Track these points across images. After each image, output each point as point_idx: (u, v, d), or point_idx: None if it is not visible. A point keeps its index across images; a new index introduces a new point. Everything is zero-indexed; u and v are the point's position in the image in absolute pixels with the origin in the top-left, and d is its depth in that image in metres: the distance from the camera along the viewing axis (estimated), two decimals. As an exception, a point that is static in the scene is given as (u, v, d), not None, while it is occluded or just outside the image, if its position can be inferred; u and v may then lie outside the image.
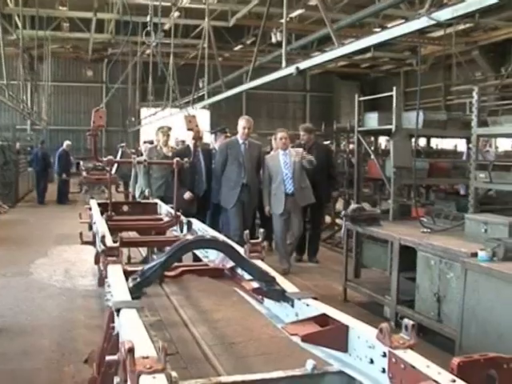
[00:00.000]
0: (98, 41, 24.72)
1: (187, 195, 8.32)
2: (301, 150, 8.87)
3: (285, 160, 8.59)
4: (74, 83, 30.41)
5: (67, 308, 6.69)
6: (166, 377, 1.94)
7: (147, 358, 2.02)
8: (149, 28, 12.50)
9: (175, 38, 17.20)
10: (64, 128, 29.04)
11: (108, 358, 2.37)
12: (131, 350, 1.95)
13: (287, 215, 8.62)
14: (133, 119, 27.64)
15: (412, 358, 2.14)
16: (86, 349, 4.93)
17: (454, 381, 1.87)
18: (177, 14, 18.53)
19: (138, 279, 3.22)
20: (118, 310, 2.75)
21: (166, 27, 18.29)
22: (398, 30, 4.97)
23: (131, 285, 3.17)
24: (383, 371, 2.29)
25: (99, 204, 7.05)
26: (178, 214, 6.37)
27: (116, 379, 2.33)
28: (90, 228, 6.54)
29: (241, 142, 8.38)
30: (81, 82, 30.35)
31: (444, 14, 4.21)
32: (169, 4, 16.88)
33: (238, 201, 8.30)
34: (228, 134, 9.58)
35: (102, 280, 3.97)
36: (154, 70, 19.94)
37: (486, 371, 2.01)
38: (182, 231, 6.14)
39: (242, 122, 8.30)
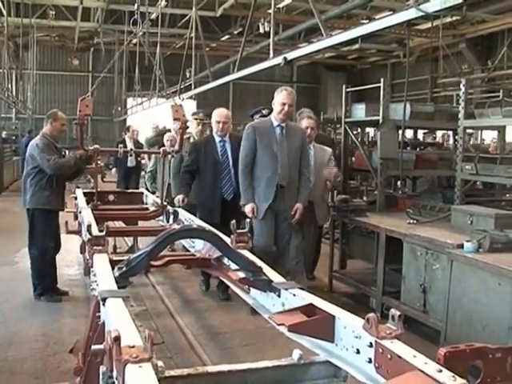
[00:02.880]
0: (84, 29, 24.50)
1: (179, 198, 6.45)
2: (330, 150, 7.01)
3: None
4: (60, 72, 30.15)
5: (52, 297, 6.65)
6: (152, 366, 1.92)
7: (133, 347, 2.00)
8: (136, 17, 12.37)
9: (162, 27, 17.09)
10: (49, 117, 28.73)
11: (94, 347, 2.35)
12: (117, 339, 1.93)
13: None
14: (119, 109, 27.49)
15: (399, 348, 2.13)
16: (71, 338, 4.87)
17: (441, 370, 1.87)
18: (164, 3, 18.39)
19: (124, 268, 3.21)
20: (104, 299, 2.72)
21: (153, 16, 18.16)
22: (386, 21, 4.96)
23: (117, 274, 3.16)
24: (369, 361, 2.29)
25: (85, 193, 7.01)
26: (165, 203, 6.37)
27: (102, 368, 2.31)
28: (76, 217, 6.51)
29: (276, 124, 5.94)
30: (66, 71, 30.08)
31: (432, 6, 4.20)
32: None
33: (268, 209, 5.90)
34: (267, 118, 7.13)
35: (87, 269, 3.93)
36: (140, 60, 19.84)
37: (471, 361, 2.02)
38: (168, 221, 6.14)
39: (280, 96, 5.86)
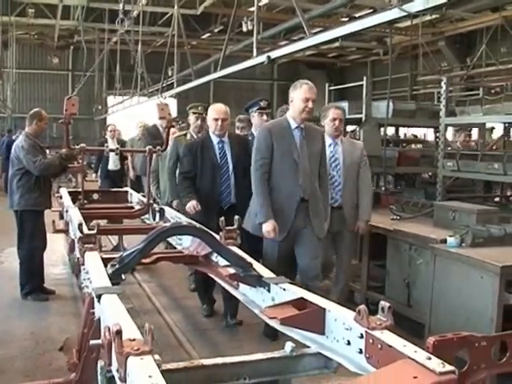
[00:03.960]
0: (64, 27, 24.37)
1: (191, 205, 5.59)
2: (361, 144, 5.93)
3: (334, 155, 5.62)
4: (40, 70, 29.92)
5: (39, 296, 6.67)
6: (152, 358, 1.99)
7: (134, 340, 2.06)
8: (121, 15, 12.37)
9: (142, 25, 17.05)
10: (29, 116, 28.54)
11: (92, 342, 2.41)
12: (119, 333, 1.99)
13: (329, 239, 5.59)
14: (99, 107, 27.37)
15: (389, 337, 2.21)
16: (61, 336, 4.94)
17: (430, 358, 1.95)
18: (144, 1, 18.37)
19: (117, 266, 3.26)
20: (99, 296, 2.78)
21: (134, 14, 18.12)
22: (369, 20, 5.05)
23: (110, 271, 3.21)
24: (360, 352, 2.37)
25: (69, 192, 7.04)
26: (151, 201, 6.41)
27: (100, 362, 2.37)
28: (61, 217, 6.54)
29: (294, 125, 5.00)
30: (46, 70, 29.87)
31: (415, 6, 4.30)
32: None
33: (291, 229, 4.99)
34: (268, 111, 6.28)
35: (78, 267, 3.97)
36: (121, 58, 19.79)
37: (458, 349, 2.10)
38: (154, 219, 6.18)
39: (301, 91, 4.89)
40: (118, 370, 2.04)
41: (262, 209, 4.93)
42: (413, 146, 11.71)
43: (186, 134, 6.97)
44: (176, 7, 12.56)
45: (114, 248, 8.16)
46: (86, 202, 6.41)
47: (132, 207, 7.06)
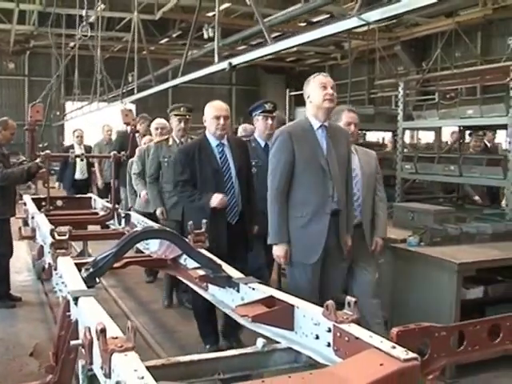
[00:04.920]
0: (20, 32, 24.12)
1: (217, 199, 4.78)
2: (374, 154, 5.19)
3: (351, 165, 4.67)
4: (-5, 76, 29.59)
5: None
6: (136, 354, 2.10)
7: (116, 338, 2.17)
8: (84, 23, 12.34)
9: (96, 30, 16.96)
10: (-16, 122, 28.06)
11: (73, 342, 2.50)
12: (103, 331, 2.10)
13: (347, 263, 4.71)
14: (57, 113, 27.12)
15: (356, 330, 2.36)
16: (30, 342, 4.98)
17: (395, 347, 2.10)
18: (102, 6, 18.31)
19: (91, 269, 3.35)
20: (76, 299, 2.87)
21: (92, 19, 18.05)
22: (330, 28, 5.23)
23: (85, 275, 3.30)
24: (328, 345, 2.51)
25: (33, 199, 7.06)
26: (116, 206, 6.48)
27: (81, 362, 2.47)
28: (25, 223, 6.56)
29: (317, 125, 4.28)
30: (1, 75, 29.50)
31: (373, 15, 4.49)
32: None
33: (324, 250, 4.22)
34: (274, 114, 5.71)
35: (49, 273, 4.03)
36: (80, 63, 19.66)
37: (421, 339, 2.26)
38: (119, 224, 6.26)
39: (316, 81, 4.26)
40: (102, 367, 2.14)
41: (274, 228, 4.24)
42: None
43: (167, 139, 6.46)
44: (136, 13, 12.60)
45: (79, 254, 8.17)
46: (51, 208, 6.45)
47: (97, 213, 7.13)
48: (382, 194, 5.02)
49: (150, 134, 7.76)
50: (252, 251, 5.10)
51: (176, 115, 6.34)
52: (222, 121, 4.90)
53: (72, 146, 10.60)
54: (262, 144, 5.66)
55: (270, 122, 5.59)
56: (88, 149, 10.97)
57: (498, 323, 2.42)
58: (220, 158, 4.98)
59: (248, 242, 5.00)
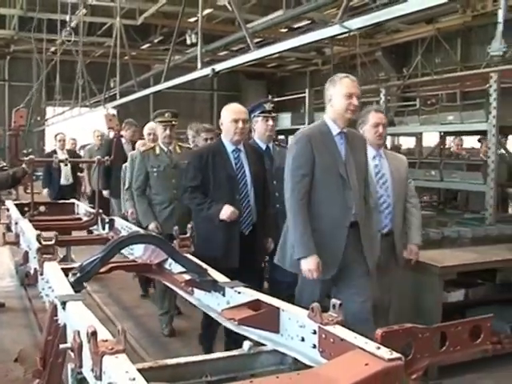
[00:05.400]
0: (0, 37, 23.98)
1: (228, 211, 4.49)
2: (405, 158, 4.95)
3: (380, 169, 4.58)
4: (-25, 81, 29.37)
5: (-12, 310, 6.66)
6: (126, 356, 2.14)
7: (106, 341, 2.20)
8: (68, 28, 12.34)
9: (79, 35, 16.93)
10: (-37, 127, 27.90)
11: (62, 346, 2.53)
12: (94, 334, 2.13)
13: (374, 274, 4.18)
14: (38, 118, 26.98)
15: (341, 331, 2.42)
16: (15, 348, 4.95)
17: (379, 347, 2.16)
18: (84, 11, 18.29)
19: (78, 274, 3.38)
20: (64, 303, 2.90)
21: (73, 24, 18.00)
22: (313, 35, 5.31)
23: (72, 280, 3.33)
24: (314, 347, 2.56)
25: (16, 205, 7.05)
26: (100, 211, 6.48)
27: (70, 365, 2.51)
28: (8, 229, 6.55)
29: (337, 131, 4.01)
30: (-19, 80, 29.34)
31: (355, 23, 4.58)
32: (75, 1, 16.63)
33: (343, 265, 3.96)
34: (273, 115, 5.43)
35: (34, 278, 4.05)
36: (61, 68, 19.61)
37: (404, 340, 2.33)
38: (103, 229, 6.27)
39: (343, 85, 3.96)
40: (92, 370, 2.17)
41: (301, 241, 3.89)
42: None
43: (154, 148, 6.02)
44: (118, 18, 12.63)
45: (62, 259, 8.16)
46: (36, 213, 6.45)
47: (80, 218, 7.13)
48: (415, 201, 4.79)
49: (141, 139, 7.62)
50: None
51: (161, 122, 5.95)
52: (240, 124, 4.58)
53: (55, 151, 10.26)
54: (263, 147, 5.31)
55: (270, 123, 5.28)
56: (71, 153, 10.57)
57: (479, 324, 2.49)
58: (236, 164, 4.66)
59: (259, 254, 4.76)
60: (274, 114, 5.38)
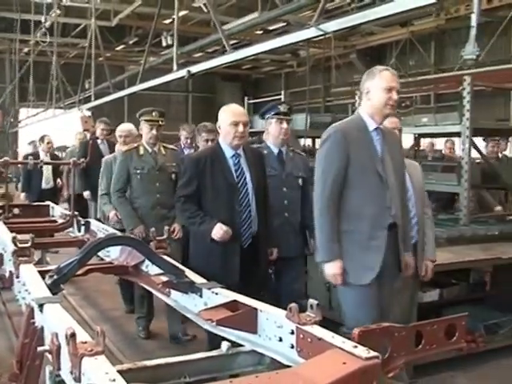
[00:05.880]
0: (-27, 38, 23.74)
1: (219, 231, 4.18)
2: (417, 164, 4.82)
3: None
4: None
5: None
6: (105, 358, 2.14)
7: (86, 342, 2.20)
8: (43, 29, 12.24)
9: (54, 36, 16.79)
10: None
11: (40, 349, 2.52)
12: (73, 335, 2.14)
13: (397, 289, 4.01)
14: (11, 120, 26.69)
15: (318, 331, 2.45)
16: (-11, 352, 4.95)
17: (356, 346, 2.19)
18: (58, 11, 18.14)
19: (55, 276, 3.36)
20: (41, 306, 2.89)
21: (47, 25, 17.85)
22: (289, 37, 5.34)
23: (49, 282, 3.31)
24: (292, 347, 2.59)
25: (-14, 207, 6.99)
26: (76, 213, 6.44)
27: (48, 368, 2.50)
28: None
29: (373, 125, 3.79)
30: (-47, 81, 28.96)
31: (331, 26, 4.62)
32: (49, 1, 16.49)
33: (381, 269, 3.69)
34: (288, 117, 5.01)
35: (9, 281, 4.02)
36: (35, 69, 19.42)
37: (381, 339, 2.36)
38: (79, 231, 6.22)
39: (382, 78, 3.74)
40: (71, 372, 2.17)
41: (326, 244, 3.70)
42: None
43: (137, 147, 5.66)
44: (93, 20, 12.57)
45: (37, 262, 8.09)
46: (11, 215, 6.39)
47: (55, 221, 7.08)
48: (429, 211, 4.61)
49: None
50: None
51: (147, 121, 5.61)
52: (240, 128, 4.23)
53: (33, 154, 9.90)
54: (275, 151, 4.97)
55: (284, 125, 4.90)
56: (51, 156, 10.07)
57: (454, 323, 2.54)
58: (236, 171, 4.30)
59: (260, 268, 4.41)
60: (289, 117, 5.03)
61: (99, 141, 8.33)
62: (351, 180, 3.69)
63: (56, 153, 11.58)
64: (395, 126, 4.24)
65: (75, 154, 9.61)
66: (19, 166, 9.97)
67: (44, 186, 9.80)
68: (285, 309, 2.66)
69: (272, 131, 4.95)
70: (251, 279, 4.19)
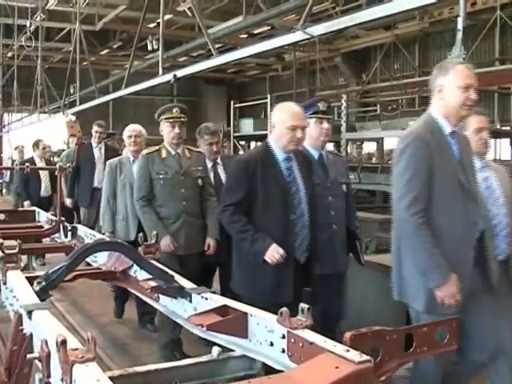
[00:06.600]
0: (-44, 42, 23.56)
1: (274, 252, 3.75)
2: (504, 168, 3.95)
3: (491, 183, 3.70)
4: None
5: None
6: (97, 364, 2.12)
7: (76, 349, 2.18)
8: (28, 33, 12.19)
9: (38, 40, 16.72)
10: None
11: (29, 356, 2.49)
12: (64, 342, 2.11)
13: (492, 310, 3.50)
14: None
15: (310, 335, 2.43)
16: (-24, 358, 4.88)
17: (348, 350, 2.19)
18: (42, 15, 18.06)
19: (44, 283, 3.33)
20: (30, 312, 2.86)
21: (32, 29, 17.77)
22: (276, 41, 5.36)
23: (37, 288, 3.28)
24: (283, 351, 2.57)
25: (-29, 214, 6.94)
26: (62, 219, 6.40)
27: (38, 375, 2.47)
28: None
29: (449, 129, 3.35)
30: None
31: (317, 30, 4.64)
32: (33, 5, 16.42)
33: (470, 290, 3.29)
34: (329, 116, 4.57)
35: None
36: (19, 74, 19.31)
37: (373, 342, 2.35)
38: (66, 237, 6.18)
39: (457, 76, 3.26)
40: (62, 379, 2.15)
41: (435, 264, 3.21)
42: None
43: (159, 150, 5.12)
44: (78, 24, 12.53)
45: (24, 268, 8.03)
46: (-4, 221, 6.34)
47: (41, 226, 7.02)
48: None
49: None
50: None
51: (168, 119, 5.05)
52: (299, 134, 3.81)
53: (28, 160, 9.19)
54: (316, 155, 4.46)
55: (325, 125, 4.43)
56: (50, 163, 9.71)
57: (445, 325, 2.54)
58: (288, 176, 3.89)
59: (315, 286, 4.01)
60: (329, 116, 4.58)
61: (94, 144, 8.11)
62: (432, 192, 3.25)
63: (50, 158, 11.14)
64: (483, 126, 3.70)
65: (72, 157, 9.22)
66: (14, 172, 9.40)
67: (43, 194, 9.37)
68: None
69: (311, 132, 4.35)
70: (300, 297, 3.63)
